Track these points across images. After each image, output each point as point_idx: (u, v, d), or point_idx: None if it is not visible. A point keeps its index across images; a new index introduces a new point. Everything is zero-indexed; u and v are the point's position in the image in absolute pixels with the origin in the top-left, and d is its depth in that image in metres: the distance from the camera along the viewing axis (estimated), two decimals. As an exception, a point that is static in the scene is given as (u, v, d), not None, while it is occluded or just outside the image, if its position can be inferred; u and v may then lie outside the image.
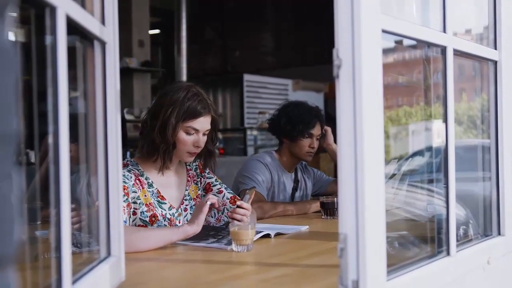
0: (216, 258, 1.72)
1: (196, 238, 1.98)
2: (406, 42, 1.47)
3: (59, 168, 0.95)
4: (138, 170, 2.10)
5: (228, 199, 2.24)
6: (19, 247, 0.54)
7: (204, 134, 2.10)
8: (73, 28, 1.06)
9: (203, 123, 2.08)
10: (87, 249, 1.37)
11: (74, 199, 1.10)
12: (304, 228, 2.27)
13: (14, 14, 0.60)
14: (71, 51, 1.03)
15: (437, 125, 1.75)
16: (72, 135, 1.00)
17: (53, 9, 0.94)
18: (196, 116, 2.05)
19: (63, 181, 0.95)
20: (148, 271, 1.58)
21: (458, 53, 1.51)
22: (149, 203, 2.06)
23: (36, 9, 0.95)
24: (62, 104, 0.95)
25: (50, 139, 0.95)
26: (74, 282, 1.03)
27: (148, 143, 2.08)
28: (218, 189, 2.27)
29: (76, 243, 1.27)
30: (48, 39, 0.96)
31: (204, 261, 1.71)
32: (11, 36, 0.57)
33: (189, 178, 2.25)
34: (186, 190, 2.22)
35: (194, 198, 2.24)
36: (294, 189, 3.02)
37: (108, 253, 1.30)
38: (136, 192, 2.04)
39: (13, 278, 0.53)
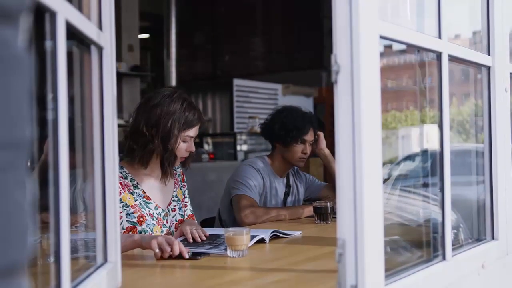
0: (211, 264, 1.71)
1: (193, 245, 1.97)
2: (396, 47, 1.47)
3: (58, 174, 0.94)
4: (121, 173, 2.15)
5: (187, 216, 2.34)
6: (31, 254, 0.53)
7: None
8: (71, 33, 1.05)
9: (197, 130, 2.22)
10: (83, 254, 1.36)
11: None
12: (298, 233, 2.26)
13: (28, 22, 0.59)
14: (68, 56, 1.02)
15: (427, 129, 1.76)
16: (69, 140, 0.99)
17: (53, 14, 0.93)
18: (193, 125, 2.19)
19: (62, 187, 0.94)
20: (144, 277, 1.58)
21: (452, 58, 1.52)
22: (134, 204, 2.11)
23: (35, 14, 0.94)
24: (62, 110, 0.94)
25: (49, 145, 0.95)
26: (72, 288, 1.02)
27: (147, 153, 2.13)
28: (185, 201, 2.37)
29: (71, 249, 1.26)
30: (47, 44, 0.95)
31: (199, 266, 1.70)
32: (25, 44, 0.56)
33: (176, 181, 2.34)
34: (174, 191, 2.30)
35: (181, 200, 2.33)
36: (286, 194, 3.02)
37: (105, 259, 1.29)
38: None
39: (27, 284, 0.53)
